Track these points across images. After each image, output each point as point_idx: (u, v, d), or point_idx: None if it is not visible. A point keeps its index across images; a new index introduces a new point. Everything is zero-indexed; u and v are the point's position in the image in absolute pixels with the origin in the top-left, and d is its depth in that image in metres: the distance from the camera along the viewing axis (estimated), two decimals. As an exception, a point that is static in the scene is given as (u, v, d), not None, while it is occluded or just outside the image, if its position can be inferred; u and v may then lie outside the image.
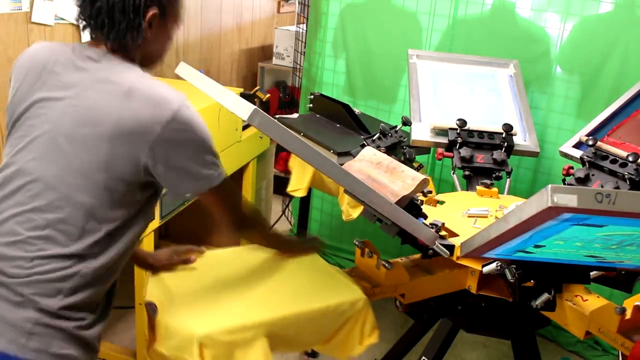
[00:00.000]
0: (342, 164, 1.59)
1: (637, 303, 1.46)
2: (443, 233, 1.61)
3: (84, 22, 1.25)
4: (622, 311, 1.41)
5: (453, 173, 2.11)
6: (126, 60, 1.24)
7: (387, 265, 1.58)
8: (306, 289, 1.53)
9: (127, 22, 1.22)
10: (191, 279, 1.53)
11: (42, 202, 1.16)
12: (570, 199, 0.85)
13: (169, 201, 2.32)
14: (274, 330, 1.38)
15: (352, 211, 1.92)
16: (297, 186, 2.31)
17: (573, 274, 1.46)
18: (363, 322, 1.51)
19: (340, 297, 1.48)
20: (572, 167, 1.97)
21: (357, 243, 1.68)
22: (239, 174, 3.03)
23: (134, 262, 1.55)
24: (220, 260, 1.66)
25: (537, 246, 1.15)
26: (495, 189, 1.99)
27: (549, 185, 0.87)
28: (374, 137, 2.04)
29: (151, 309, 1.43)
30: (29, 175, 1.18)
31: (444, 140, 2.14)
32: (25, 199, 1.17)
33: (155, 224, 2.25)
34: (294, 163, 2.34)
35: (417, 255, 1.72)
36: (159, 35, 1.28)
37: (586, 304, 1.53)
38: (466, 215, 1.79)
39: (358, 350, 1.52)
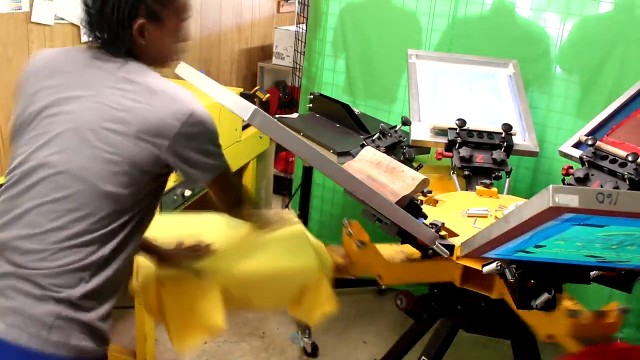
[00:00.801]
0: (342, 164, 1.59)
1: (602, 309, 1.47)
2: (443, 233, 1.61)
3: (84, 27, 1.32)
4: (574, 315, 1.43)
5: (453, 173, 2.11)
6: (135, 61, 1.30)
7: (359, 244, 1.64)
8: (270, 251, 1.62)
9: (115, 34, 1.27)
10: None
11: (66, 193, 1.19)
12: (571, 200, 0.85)
13: (179, 192, 2.32)
14: (228, 282, 1.50)
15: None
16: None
17: (573, 274, 1.46)
18: (317, 290, 1.58)
19: (296, 263, 1.60)
20: (571, 167, 1.97)
21: (344, 222, 1.73)
22: (239, 174, 3.03)
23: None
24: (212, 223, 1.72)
25: (537, 246, 1.15)
26: (495, 189, 1.99)
27: (551, 186, 0.88)
28: (374, 137, 2.04)
29: None
30: (52, 168, 1.21)
31: (443, 140, 2.14)
32: (47, 190, 1.20)
33: (155, 224, 2.25)
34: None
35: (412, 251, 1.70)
36: (158, 39, 1.31)
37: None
38: (466, 215, 1.79)
39: (315, 318, 1.60)
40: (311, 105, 2.54)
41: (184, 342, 1.46)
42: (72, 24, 2.56)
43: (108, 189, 1.21)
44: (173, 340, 1.47)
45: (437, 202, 1.92)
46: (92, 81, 1.26)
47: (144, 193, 1.27)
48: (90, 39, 1.32)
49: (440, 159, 2.12)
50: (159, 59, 1.36)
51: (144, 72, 1.29)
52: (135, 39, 1.28)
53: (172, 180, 2.31)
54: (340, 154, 2.10)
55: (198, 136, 1.27)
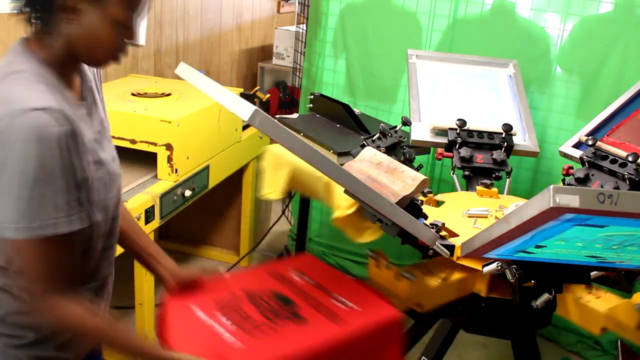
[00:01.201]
0: (342, 164, 1.59)
1: None
2: (443, 233, 1.61)
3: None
4: None
5: (453, 173, 2.11)
6: (38, 54, 1.08)
7: (409, 276, 1.52)
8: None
9: (45, 8, 1.06)
10: None
11: None
12: (572, 200, 0.85)
13: (168, 201, 2.32)
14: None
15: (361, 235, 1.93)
16: (271, 188, 2.27)
17: (573, 274, 1.46)
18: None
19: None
20: (571, 167, 1.97)
21: (371, 254, 1.63)
22: (239, 174, 3.03)
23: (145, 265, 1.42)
24: None
25: (538, 246, 1.15)
26: (495, 189, 1.99)
27: (551, 186, 0.87)
28: (374, 137, 2.03)
29: None
30: None
31: (443, 140, 2.14)
32: None
33: (155, 224, 2.25)
34: (267, 164, 2.32)
35: (426, 261, 1.69)
36: (92, 23, 1.06)
37: (599, 301, 1.53)
38: (466, 215, 1.79)
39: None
40: (311, 105, 2.53)
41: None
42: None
43: None
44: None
45: (437, 202, 1.92)
46: None
47: None
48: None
49: (440, 159, 2.12)
50: (93, 49, 1.09)
51: (12, 65, 1.06)
52: (67, 18, 1.05)
53: (172, 181, 2.32)
54: (340, 154, 2.09)
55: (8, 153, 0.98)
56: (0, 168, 0.99)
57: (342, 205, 1.89)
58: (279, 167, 2.26)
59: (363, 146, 1.86)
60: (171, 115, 2.29)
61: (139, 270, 2.26)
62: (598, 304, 1.52)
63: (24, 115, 0.98)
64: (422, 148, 2.27)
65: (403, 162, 1.76)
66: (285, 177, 2.23)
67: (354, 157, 1.65)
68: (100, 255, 1.24)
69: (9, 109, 0.98)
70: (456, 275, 1.65)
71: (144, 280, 2.26)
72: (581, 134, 2.05)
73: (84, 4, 1.04)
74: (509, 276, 1.41)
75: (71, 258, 1.12)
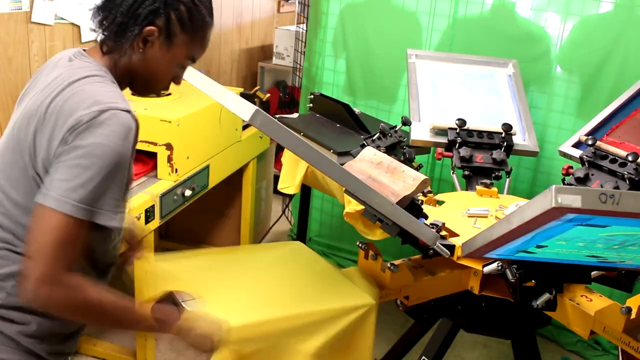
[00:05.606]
0: (342, 164, 1.59)
1: None
2: (443, 233, 1.61)
3: (93, 22, 1.21)
4: (628, 311, 1.41)
5: (452, 173, 2.11)
6: (104, 67, 1.18)
7: (392, 267, 1.57)
8: (309, 291, 1.51)
9: (122, 26, 1.15)
10: (202, 278, 1.51)
11: None
12: (574, 200, 0.85)
13: (169, 201, 2.32)
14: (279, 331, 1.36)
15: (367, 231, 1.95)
16: (288, 183, 2.36)
17: (574, 274, 1.46)
18: (364, 329, 1.48)
19: (345, 302, 1.46)
20: (571, 167, 1.98)
21: (360, 245, 1.67)
22: (239, 174, 3.03)
23: None
24: (226, 261, 1.66)
25: (539, 246, 1.15)
26: (494, 189, 1.99)
27: (553, 186, 0.87)
28: (374, 137, 2.03)
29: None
30: None
31: (443, 140, 2.14)
32: None
33: (155, 224, 2.24)
34: (286, 158, 2.39)
35: (419, 256, 1.72)
36: (156, 57, 1.19)
37: (590, 304, 1.53)
38: (466, 215, 1.79)
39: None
40: (311, 105, 2.53)
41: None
42: (72, 24, 2.56)
43: (17, 197, 1.12)
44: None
45: (437, 202, 1.92)
46: (46, 81, 1.17)
47: None
48: (93, 28, 1.21)
49: (440, 159, 2.11)
50: (147, 79, 1.23)
51: (84, 70, 1.15)
52: (136, 44, 1.17)
53: (172, 180, 2.32)
54: (340, 154, 2.09)
55: (83, 144, 1.06)
56: (83, 148, 1.05)
57: (354, 200, 1.90)
58: (296, 162, 2.30)
59: (363, 146, 1.86)
60: (171, 115, 2.28)
61: (139, 270, 2.25)
62: (588, 306, 1.52)
63: (117, 114, 1.08)
64: (422, 148, 2.27)
65: (403, 162, 1.76)
66: (302, 172, 2.29)
67: (354, 157, 1.65)
68: (113, 254, 1.28)
69: (100, 106, 1.07)
70: (445, 271, 1.66)
71: (144, 280, 2.25)
72: (581, 134, 2.05)
73: (156, 38, 1.17)
74: (509, 276, 1.41)
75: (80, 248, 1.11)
